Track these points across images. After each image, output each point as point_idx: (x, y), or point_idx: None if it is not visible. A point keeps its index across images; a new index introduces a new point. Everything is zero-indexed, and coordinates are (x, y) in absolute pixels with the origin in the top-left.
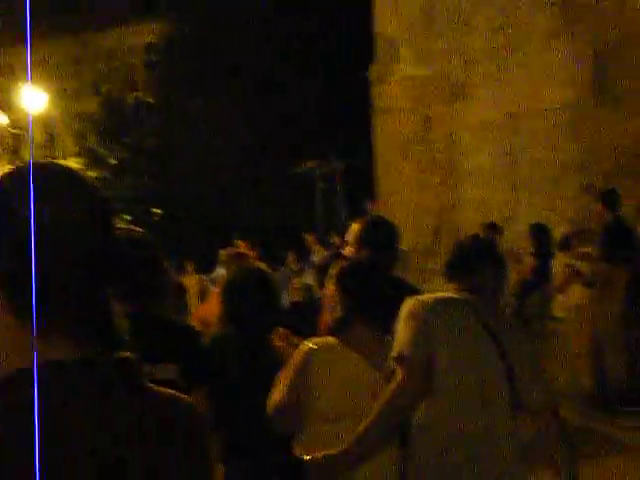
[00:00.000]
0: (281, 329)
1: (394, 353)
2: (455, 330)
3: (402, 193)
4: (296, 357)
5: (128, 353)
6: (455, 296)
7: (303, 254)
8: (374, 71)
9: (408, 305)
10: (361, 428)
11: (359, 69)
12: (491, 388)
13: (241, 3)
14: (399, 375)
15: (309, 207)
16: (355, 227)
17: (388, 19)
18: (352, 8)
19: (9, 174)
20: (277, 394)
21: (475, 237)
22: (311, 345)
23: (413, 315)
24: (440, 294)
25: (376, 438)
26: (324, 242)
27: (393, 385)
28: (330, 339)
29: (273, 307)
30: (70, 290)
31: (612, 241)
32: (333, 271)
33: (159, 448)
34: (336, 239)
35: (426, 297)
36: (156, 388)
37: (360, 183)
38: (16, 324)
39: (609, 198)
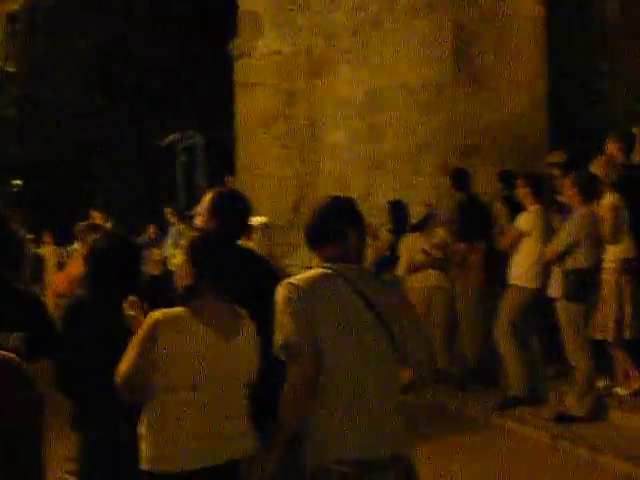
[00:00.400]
0: (132, 298)
1: (280, 342)
2: (334, 308)
3: (263, 168)
4: (143, 327)
5: None
6: (326, 271)
7: (163, 227)
8: (237, 45)
9: (283, 291)
10: (276, 433)
11: (223, 42)
12: (377, 362)
13: None
14: (290, 366)
15: (171, 180)
16: (207, 198)
17: None
18: None
19: None
20: (124, 364)
21: (335, 197)
22: (158, 315)
23: (290, 300)
24: (311, 272)
25: (289, 434)
26: (183, 215)
27: (287, 381)
28: (178, 309)
29: (135, 271)
30: None
31: (466, 220)
32: (183, 241)
33: None
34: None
35: (298, 279)
36: None
37: (222, 157)
38: None
39: (458, 178)
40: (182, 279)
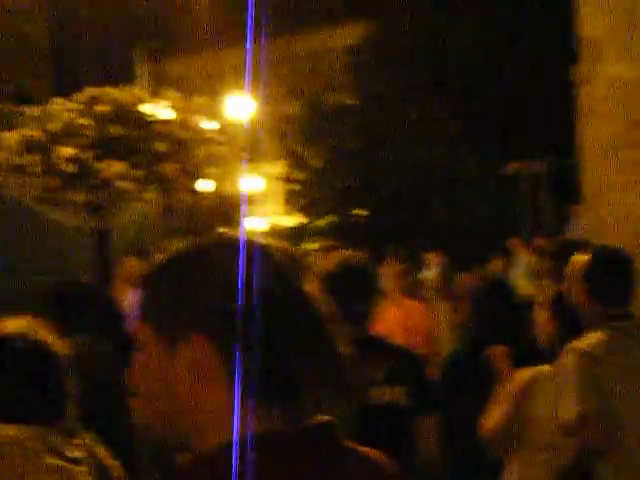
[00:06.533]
0: (501, 347)
1: (570, 411)
2: (628, 372)
3: (606, 196)
4: (517, 381)
5: (327, 417)
6: (613, 332)
7: (508, 258)
8: (577, 72)
9: (572, 358)
10: None
11: (562, 69)
12: None
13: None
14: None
15: (513, 209)
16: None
17: (592, 19)
18: (553, 7)
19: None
20: (493, 417)
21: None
22: (533, 373)
23: (581, 368)
24: (598, 335)
25: None
26: (530, 246)
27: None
28: (547, 368)
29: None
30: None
31: None
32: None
33: None
34: (541, 242)
35: (587, 344)
36: (354, 447)
37: (565, 185)
38: (230, 393)
39: None
40: (547, 335)
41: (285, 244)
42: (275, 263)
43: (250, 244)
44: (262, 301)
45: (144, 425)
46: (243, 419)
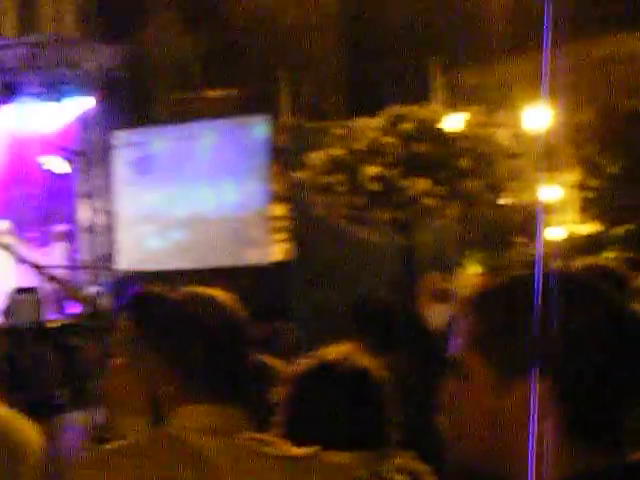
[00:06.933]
0: None
1: None
2: None
3: None
4: None
5: None
6: None
7: None
8: None
9: None
10: None
11: None
12: None
13: None
14: None
15: None
16: None
17: None
18: None
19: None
20: None
21: None
22: None
23: None
24: None
25: None
26: None
27: None
28: None
29: None
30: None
31: None
32: None
33: None
34: None
35: None
36: None
37: None
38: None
39: None
40: None
41: (611, 265)
42: (597, 290)
43: (577, 278)
44: (590, 333)
45: (457, 453)
46: (567, 457)
